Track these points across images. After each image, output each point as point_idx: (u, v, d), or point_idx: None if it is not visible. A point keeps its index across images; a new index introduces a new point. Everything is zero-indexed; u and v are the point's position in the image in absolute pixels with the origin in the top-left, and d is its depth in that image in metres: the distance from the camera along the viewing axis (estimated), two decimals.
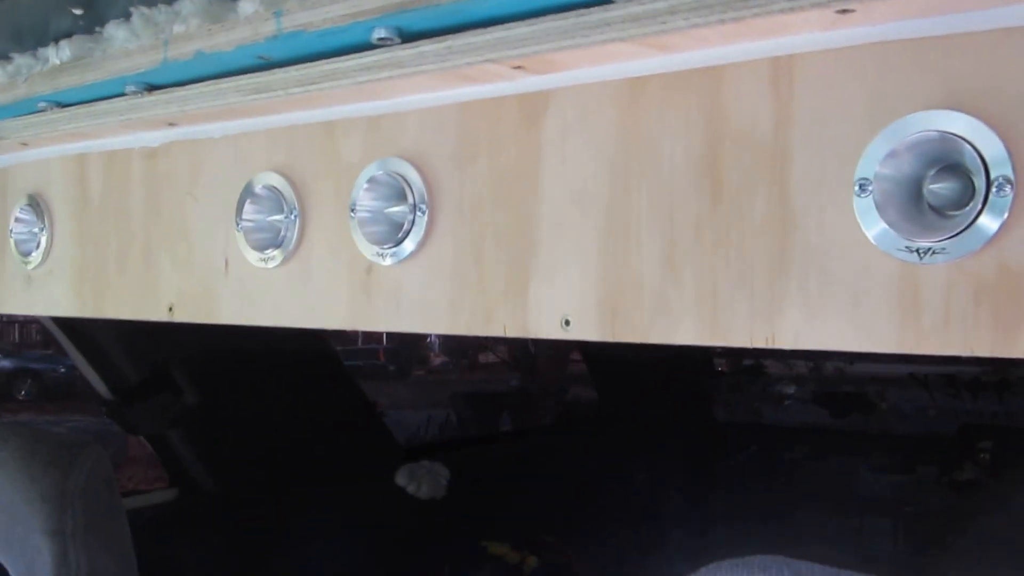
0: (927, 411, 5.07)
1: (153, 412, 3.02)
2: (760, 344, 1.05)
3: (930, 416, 5.06)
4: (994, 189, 0.89)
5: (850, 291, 0.98)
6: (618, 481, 4.68)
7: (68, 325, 2.88)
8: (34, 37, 1.73)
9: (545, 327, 1.23)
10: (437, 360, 23.42)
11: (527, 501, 3.96)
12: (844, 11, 0.93)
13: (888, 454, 4.73)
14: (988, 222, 0.89)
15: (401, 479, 3.58)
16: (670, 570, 4.28)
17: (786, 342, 1.03)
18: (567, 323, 1.20)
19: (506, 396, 10.97)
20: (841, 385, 5.20)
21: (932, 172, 0.95)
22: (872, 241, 0.96)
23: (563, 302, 1.21)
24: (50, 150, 1.98)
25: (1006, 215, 0.88)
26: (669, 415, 5.03)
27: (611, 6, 1.05)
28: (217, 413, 3.16)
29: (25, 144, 1.96)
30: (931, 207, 0.96)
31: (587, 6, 1.07)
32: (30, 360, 19.98)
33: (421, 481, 3.59)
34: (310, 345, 3.21)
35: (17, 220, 2.04)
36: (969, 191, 0.92)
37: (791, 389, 5.52)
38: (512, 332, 1.26)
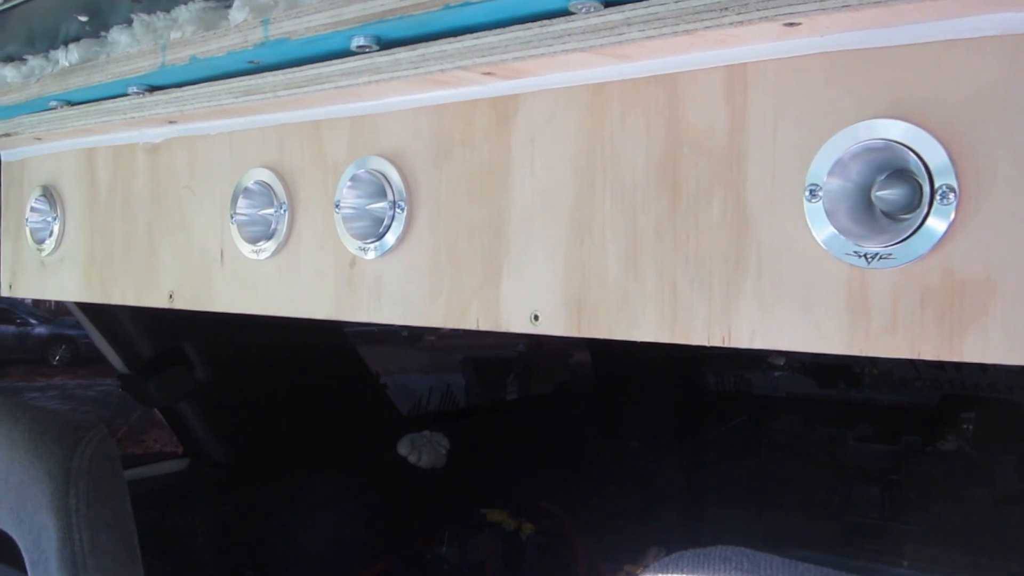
0: (911, 382, 5.04)
1: (165, 386, 3.03)
2: (717, 343, 1.04)
3: (915, 387, 5.04)
4: (938, 197, 0.88)
5: (802, 294, 0.98)
6: (612, 449, 4.67)
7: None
8: (46, 40, 1.73)
9: (516, 322, 1.22)
10: (447, 327, 23.36)
11: (525, 470, 3.97)
12: (791, 24, 0.92)
13: (873, 424, 4.71)
14: (933, 229, 0.88)
15: (402, 449, 3.58)
16: (662, 536, 4.30)
17: (742, 341, 1.03)
18: (536, 318, 1.20)
19: (513, 361, 11.03)
20: (829, 357, 5.16)
21: (881, 178, 0.94)
22: (822, 245, 0.95)
23: (533, 298, 1.21)
24: (62, 144, 1.98)
25: (949, 222, 0.88)
26: (662, 385, 5.03)
27: (572, 17, 1.04)
28: (226, 387, 3.17)
29: (39, 139, 1.97)
30: (881, 212, 0.95)
31: (550, 17, 1.07)
32: (64, 326, 20.04)
33: (422, 451, 3.58)
34: (315, 322, 3.23)
35: (32, 210, 2.05)
36: (917, 196, 0.91)
37: (781, 360, 5.49)
38: (485, 326, 1.26)
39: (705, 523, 4.65)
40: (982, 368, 4.67)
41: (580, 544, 3.85)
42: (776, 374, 5.73)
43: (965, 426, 4.50)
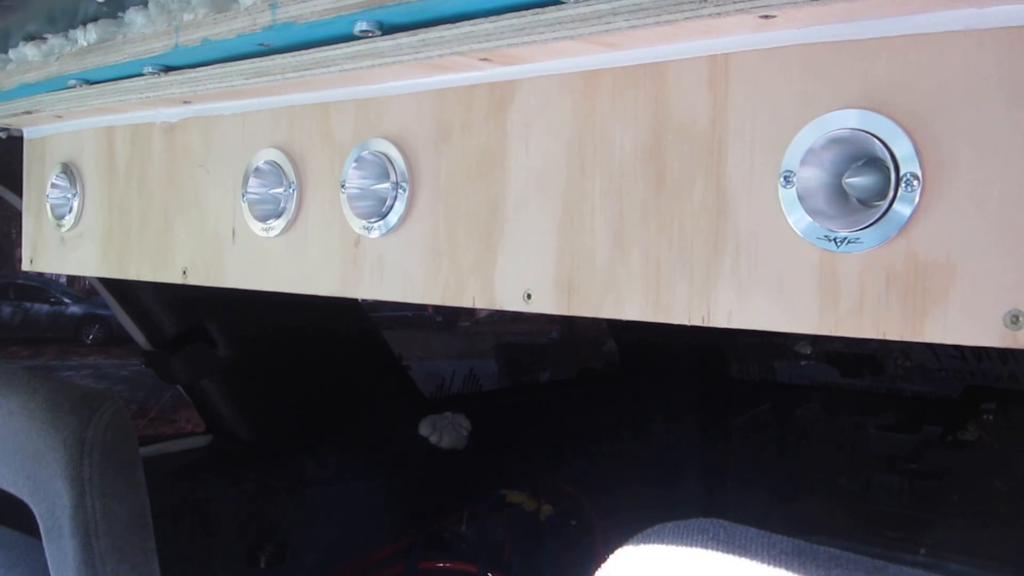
0: (934, 373, 5.05)
1: (188, 363, 3.09)
2: (697, 322, 1.09)
3: (937, 378, 5.04)
4: (903, 184, 0.92)
5: (776, 276, 1.02)
6: (635, 434, 4.70)
7: (109, 279, 2.96)
8: (66, 19, 1.78)
9: (510, 300, 1.27)
10: (483, 312, 23.38)
11: (545, 452, 4.00)
12: (767, 16, 0.96)
13: (896, 413, 4.71)
14: (898, 215, 0.93)
15: (424, 429, 3.63)
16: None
17: (720, 321, 1.07)
18: (529, 296, 1.25)
19: (545, 348, 11.13)
20: (853, 346, 5.16)
21: (855, 166, 0.98)
22: (795, 229, 1.00)
23: (525, 277, 1.25)
24: (82, 122, 2.04)
25: (913, 208, 0.92)
26: (687, 372, 5.05)
27: (563, 6, 1.08)
28: (248, 365, 3.23)
29: (60, 116, 2.03)
30: (856, 199, 0.99)
31: (543, 5, 1.11)
32: (98, 306, 20.22)
33: (443, 432, 3.63)
34: (337, 301, 3.28)
35: (53, 186, 2.11)
36: (887, 183, 0.95)
37: (807, 349, 5.50)
38: (480, 304, 1.31)
39: (726, 509, 4.66)
40: (1003, 360, 4.68)
41: (599, 526, 3.88)
42: (802, 363, 5.75)
43: (986, 417, 4.49)
